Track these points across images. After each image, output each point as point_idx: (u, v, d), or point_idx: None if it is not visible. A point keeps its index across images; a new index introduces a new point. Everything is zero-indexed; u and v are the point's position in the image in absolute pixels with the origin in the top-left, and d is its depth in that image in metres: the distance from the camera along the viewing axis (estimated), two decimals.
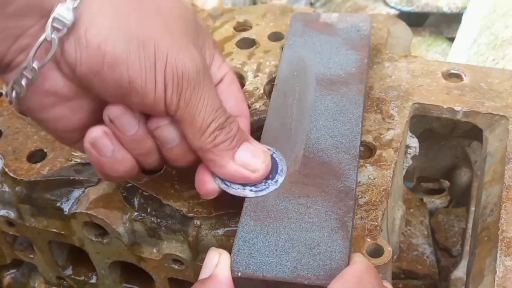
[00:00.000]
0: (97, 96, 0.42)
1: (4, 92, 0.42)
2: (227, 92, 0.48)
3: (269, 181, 0.46)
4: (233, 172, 0.44)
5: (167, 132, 0.43)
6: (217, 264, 0.41)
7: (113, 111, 0.42)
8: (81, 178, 0.53)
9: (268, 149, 0.48)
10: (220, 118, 0.43)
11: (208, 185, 0.45)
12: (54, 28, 0.38)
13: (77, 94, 0.42)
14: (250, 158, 0.45)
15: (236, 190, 0.45)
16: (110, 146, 0.43)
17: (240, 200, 0.46)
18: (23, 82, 0.40)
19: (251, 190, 0.45)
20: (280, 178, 0.46)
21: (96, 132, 0.43)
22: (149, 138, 0.43)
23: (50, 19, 0.38)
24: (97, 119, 0.43)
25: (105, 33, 0.39)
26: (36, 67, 0.39)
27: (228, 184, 0.45)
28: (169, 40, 0.41)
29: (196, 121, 0.42)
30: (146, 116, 0.43)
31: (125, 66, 0.39)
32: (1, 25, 0.38)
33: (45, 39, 0.39)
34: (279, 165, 0.47)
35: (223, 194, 0.46)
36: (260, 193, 0.45)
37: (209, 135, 0.43)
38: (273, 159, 0.47)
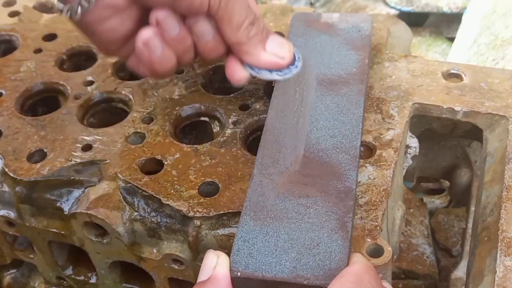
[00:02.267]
0: (145, 5, 0.48)
1: (63, 9, 0.48)
2: None
3: (291, 67, 0.52)
4: (266, 60, 0.51)
5: (204, 26, 0.49)
6: (216, 266, 0.41)
7: (160, 14, 0.48)
8: (81, 178, 0.53)
9: None
10: (251, 14, 0.49)
11: (239, 73, 0.52)
12: None
13: (129, 4, 0.48)
14: (278, 48, 0.52)
15: (265, 75, 0.51)
16: (160, 45, 0.49)
17: (240, 199, 0.46)
18: None
19: (278, 74, 0.52)
20: (299, 64, 0.53)
21: (148, 33, 0.49)
22: (188, 36, 0.50)
23: None
24: (141, 28, 0.49)
25: None
26: None
27: (257, 70, 0.51)
28: None
29: (234, 17, 0.48)
30: (183, 18, 0.49)
31: None
32: None
33: None
34: (296, 54, 0.53)
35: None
36: (286, 76, 0.52)
37: (244, 29, 0.49)
38: None
